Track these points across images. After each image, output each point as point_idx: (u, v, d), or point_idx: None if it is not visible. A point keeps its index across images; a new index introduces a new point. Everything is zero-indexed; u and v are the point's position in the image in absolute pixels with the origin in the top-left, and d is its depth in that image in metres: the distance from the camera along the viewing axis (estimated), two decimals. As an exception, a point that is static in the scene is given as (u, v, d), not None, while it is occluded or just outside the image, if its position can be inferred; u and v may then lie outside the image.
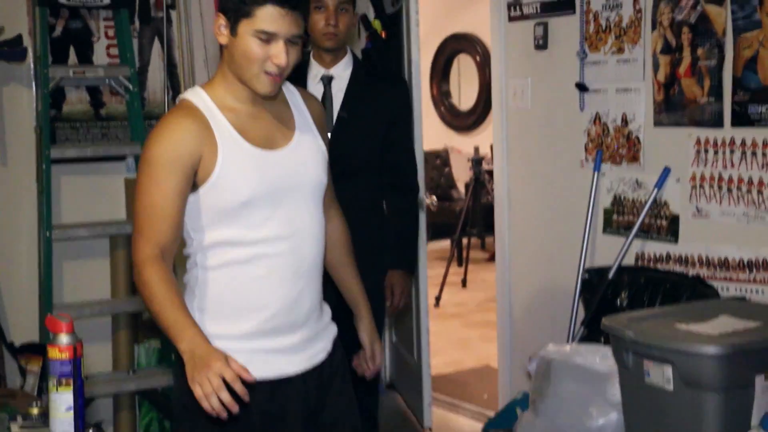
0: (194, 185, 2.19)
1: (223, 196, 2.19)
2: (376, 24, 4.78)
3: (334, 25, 3.23)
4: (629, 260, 3.83)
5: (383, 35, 4.75)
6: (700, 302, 3.33)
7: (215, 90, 2.24)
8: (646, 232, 3.78)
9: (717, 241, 3.53)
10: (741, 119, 3.43)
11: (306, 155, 2.31)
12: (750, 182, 3.40)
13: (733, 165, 3.47)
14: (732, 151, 3.47)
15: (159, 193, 2.16)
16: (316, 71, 3.33)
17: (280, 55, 2.16)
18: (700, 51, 3.50)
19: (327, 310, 2.41)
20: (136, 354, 4.38)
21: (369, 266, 3.00)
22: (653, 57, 3.69)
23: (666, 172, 3.65)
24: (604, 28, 3.90)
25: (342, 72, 3.34)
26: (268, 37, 2.11)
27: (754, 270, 3.40)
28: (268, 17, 2.09)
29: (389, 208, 3.49)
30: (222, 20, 2.18)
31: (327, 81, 3.32)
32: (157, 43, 4.57)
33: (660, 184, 3.66)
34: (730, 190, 3.47)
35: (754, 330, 2.91)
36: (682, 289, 3.52)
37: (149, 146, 2.18)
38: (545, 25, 4.15)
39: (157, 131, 2.19)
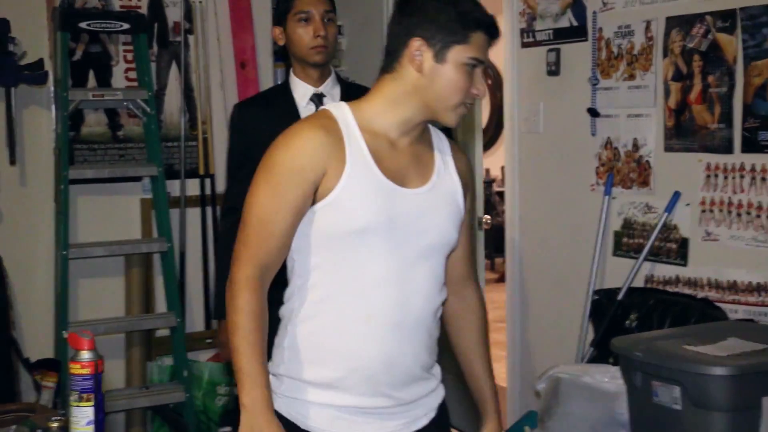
0: (311, 201, 2.00)
1: (337, 218, 1.97)
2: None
3: (323, 37, 2.98)
4: (639, 282, 3.82)
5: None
6: (708, 324, 3.32)
7: (363, 111, 2.04)
8: (655, 255, 3.77)
9: (726, 264, 3.52)
10: (751, 145, 3.43)
11: (439, 204, 2.08)
12: (759, 207, 3.40)
13: (742, 190, 3.47)
14: (742, 177, 3.47)
15: (274, 206, 1.96)
16: (303, 90, 3.04)
17: (481, 85, 2.01)
18: (710, 78, 3.51)
19: (437, 373, 2.15)
20: (149, 371, 4.45)
21: None
22: (664, 84, 3.69)
23: (676, 196, 3.65)
24: (616, 54, 3.90)
25: (331, 90, 3.06)
26: (474, 66, 1.96)
27: (763, 293, 3.39)
28: (480, 44, 1.96)
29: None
30: (422, 44, 1.97)
31: (318, 100, 3.02)
32: (174, 67, 4.66)
33: (670, 208, 3.66)
34: (739, 215, 3.47)
35: (762, 352, 2.90)
36: (691, 312, 3.50)
37: (274, 151, 1.99)
38: (558, 52, 4.16)
39: (286, 136, 2.00)
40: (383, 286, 1.99)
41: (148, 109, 4.33)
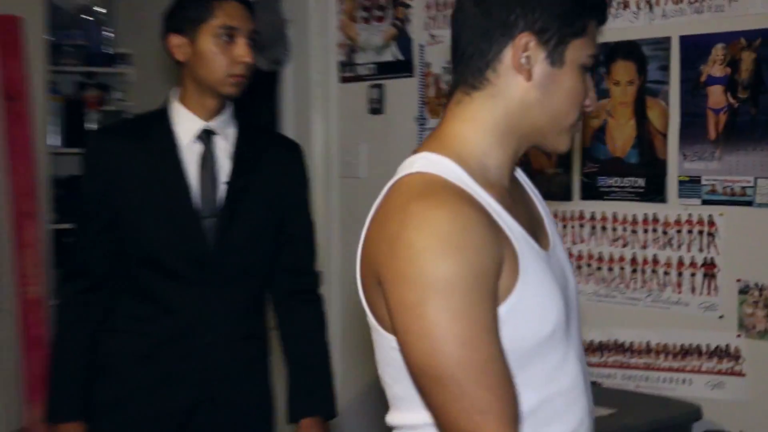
0: None
1: (527, 323, 1.46)
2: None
3: (248, 66, 2.41)
4: None
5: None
6: None
7: (468, 158, 1.49)
8: None
9: None
10: (590, 192, 3.44)
11: (564, 261, 1.64)
12: (600, 258, 3.41)
13: (582, 240, 3.46)
14: (582, 225, 3.47)
15: (483, 339, 1.37)
16: (189, 124, 2.44)
17: (593, 94, 1.56)
18: None
19: None
20: None
21: (260, 420, 2.59)
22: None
23: None
24: (445, 92, 3.85)
25: (225, 128, 2.48)
26: (590, 67, 1.52)
27: (605, 353, 3.38)
28: (595, 36, 1.52)
29: (290, 324, 2.67)
30: (532, 41, 1.45)
31: (207, 137, 2.46)
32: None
33: None
34: (579, 267, 3.45)
35: (608, 418, 2.89)
36: None
37: (431, 262, 1.34)
38: (381, 88, 4.13)
39: (430, 234, 1.35)
40: (577, 393, 1.54)
41: None
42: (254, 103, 3.35)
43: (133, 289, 2.47)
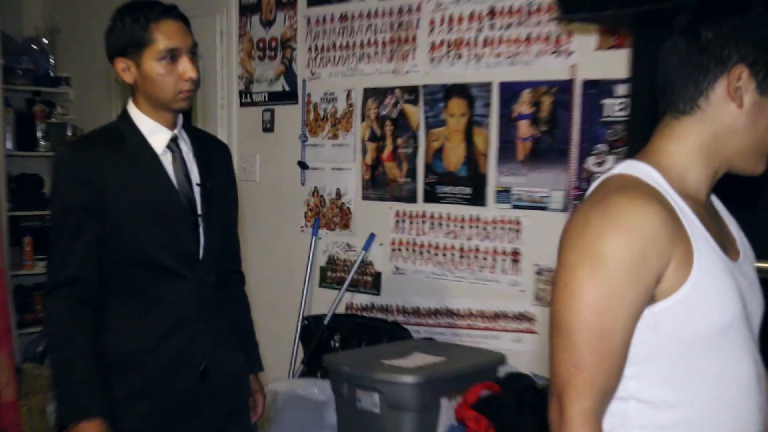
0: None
1: (693, 317, 1.39)
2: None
3: (193, 81, 2.22)
4: (341, 309, 3.93)
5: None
6: (398, 343, 3.49)
7: (669, 169, 1.46)
8: (354, 286, 3.91)
9: (411, 293, 3.71)
10: (430, 197, 3.64)
11: (753, 279, 1.54)
12: (436, 247, 3.59)
13: (424, 233, 3.66)
14: (424, 222, 3.66)
15: (612, 311, 1.35)
16: (161, 135, 2.27)
17: None
18: (399, 140, 3.74)
19: None
20: None
21: (242, 379, 2.50)
22: (362, 143, 3.87)
23: (372, 237, 3.83)
24: (322, 117, 4.03)
25: (180, 132, 2.34)
26: None
27: (439, 316, 3.59)
28: None
29: (234, 299, 2.59)
30: (745, 72, 1.42)
31: (175, 145, 2.30)
32: None
33: (367, 247, 3.83)
34: (421, 253, 3.66)
35: (440, 363, 3.13)
36: (384, 333, 3.64)
37: (599, 237, 1.35)
38: (272, 112, 4.24)
39: (609, 216, 1.36)
40: (748, 392, 1.45)
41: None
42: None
43: (128, 290, 2.29)
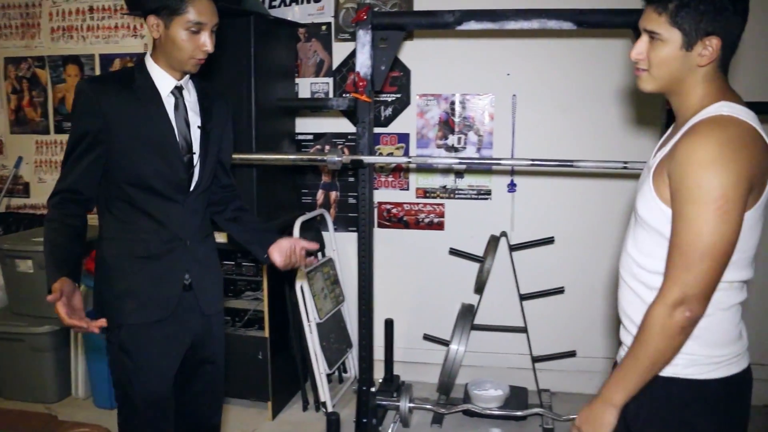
0: None
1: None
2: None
3: (209, 52, 2.39)
4: (2, 209, 4.70)
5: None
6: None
7: (737, 107, 1.70)
8: (11, 193, 4.75)
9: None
10: (59, 129, 4.46)
11: None
12: None
13: (59, 154, 4.45)
14: (56, 146, 4.49)
15: (730, 236, 1.60)
16: (167, 81, 2.43)
17: None
18: (34, 92, 4.62)
19: None
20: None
21: (219, 292, 2.65)
22: (7, 96, 4.70)
23: (19, 159, 4.69)
24: None
25: (187, 84, 2.50)
26: None
27: None
28: None
29: (243, 215, 2.75)
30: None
31: (179, 93, 2.46)
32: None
33: (17, 165, 4.68)
34: (57, 168, 4.41)
35: None
36: (34, 222, 4.47)
37: (713, 177, 1.56)
38: None
39: (718, 154, 1.56)
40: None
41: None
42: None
43: (128, 205, 2.40)
